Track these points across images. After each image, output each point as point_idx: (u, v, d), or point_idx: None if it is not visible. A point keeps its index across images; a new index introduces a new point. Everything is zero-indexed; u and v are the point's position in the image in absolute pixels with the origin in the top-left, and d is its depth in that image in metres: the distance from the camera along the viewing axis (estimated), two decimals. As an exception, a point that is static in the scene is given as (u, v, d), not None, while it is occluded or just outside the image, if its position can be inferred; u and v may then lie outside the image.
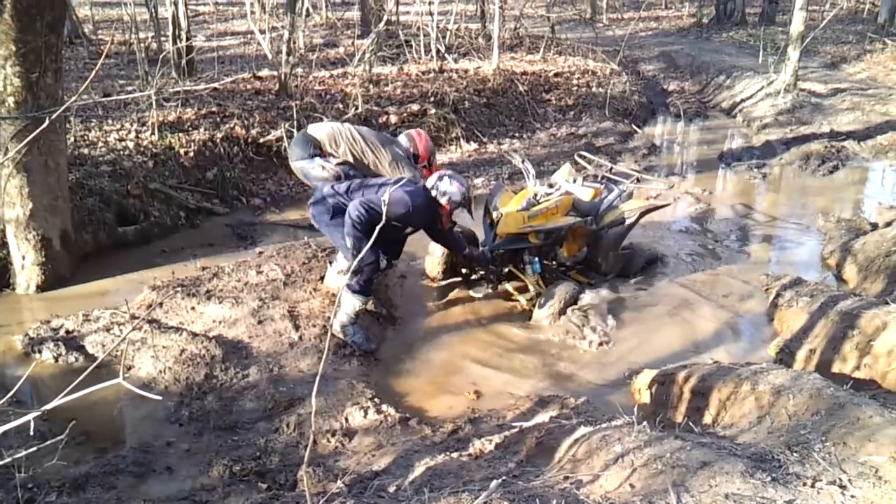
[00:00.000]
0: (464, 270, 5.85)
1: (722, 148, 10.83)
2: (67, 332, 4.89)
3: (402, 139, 5.91)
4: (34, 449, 1.99)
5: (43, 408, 1.42)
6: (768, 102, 12.40)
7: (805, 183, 9.15)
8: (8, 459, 1.74)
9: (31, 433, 3.69)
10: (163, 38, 10.45)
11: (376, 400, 4.19)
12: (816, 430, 2.99)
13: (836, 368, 4.54)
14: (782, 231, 7.48)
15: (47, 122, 4.38)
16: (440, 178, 4.96)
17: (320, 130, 5.70)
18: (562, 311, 5.35)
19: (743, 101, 13.08)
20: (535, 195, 5.63)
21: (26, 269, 5.56)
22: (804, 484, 2.53)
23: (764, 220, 7.78)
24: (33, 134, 4.63)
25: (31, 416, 1.38)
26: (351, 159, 5.58)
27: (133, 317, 5.00)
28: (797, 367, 4.63)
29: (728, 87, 14.09)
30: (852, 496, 2.46)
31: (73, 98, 2.45)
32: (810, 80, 13.61)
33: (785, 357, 4.84)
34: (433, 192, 4.96)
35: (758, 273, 6.26)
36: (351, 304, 4.79)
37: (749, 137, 11.49)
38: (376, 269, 4.96)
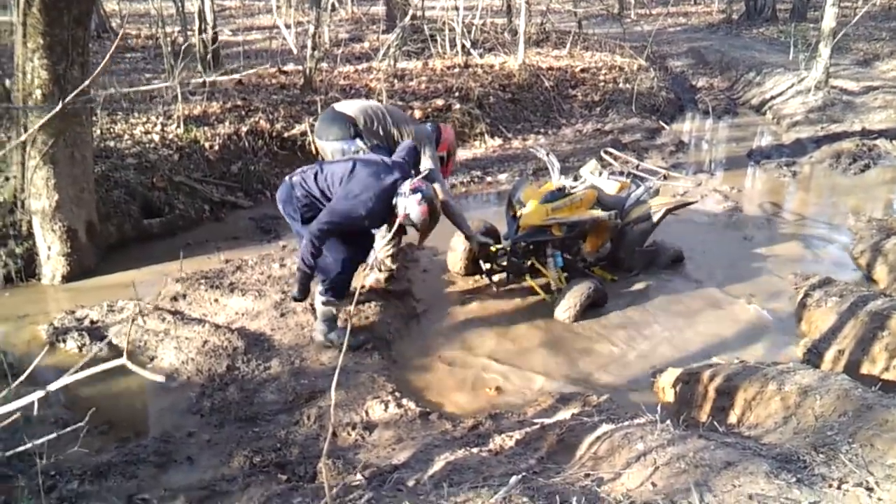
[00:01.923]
0: (486, 266, 5.81)
1: (751, 145, 10.69)
2: (92, 322, 4.93)
3: (429, 125, 5.84)
4: (54, 435, 1.99)
5: (48, 387, 1.41)
6: (799, 100, 12.22)
7: (835, 182, 8.99)
8: (28, 445, 1.73)
9: (54, 421, 3.75)
10: (189, 32, 10.52)
11: (397, 394, 4.18)
12: (843, 432, 2.93)
13: (864, 369, 4.46)
14: (812, 230, 7.35)
15: (59, 107, 4.40)
16: (414, 192, 4.40)
17: (352, 107, 5.46)
18: (583, 308, 5.30)
19: (773, 98, 12.89)
20: (560, 188, 5.57)
21: (52, 259, 5.62)
22: (830, 485, 2.48)
23: (793, 218, 7.66)
24: (49, 117, 4.67)
25: (36, 396, 1.38)
26: (380, 140, 5.39)
27: (157, 308, 5.03)
28: (825, 368, 4.56)
29: (758, 83, 13.91)
30: (879, 499, 2.41)
31: (93, 76, 2.45)
32: (842, 78, 13.40)
33: (812, 357, 4.76)
34: (396, 199, 4.44)
35: (786, 272, 6.16)
36: (323, 312, 4.69)
37: (779, 135, 11.32)
38: (349, 280, 4.74)
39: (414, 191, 4.38)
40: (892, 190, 8.76)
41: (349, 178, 4.39)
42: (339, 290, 4.65)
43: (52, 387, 1.46)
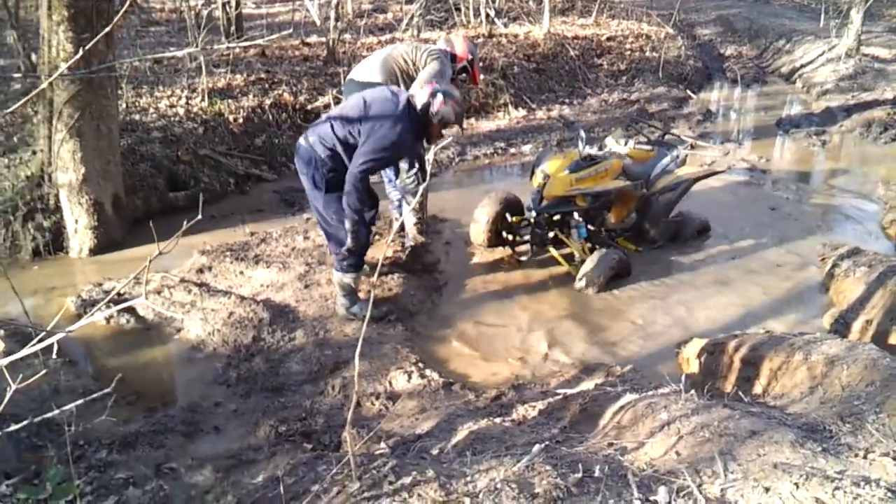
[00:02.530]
0: (509, 237, 5.79)
1: (780, 114, 10.51)
2: (119, 294, 5.00)
3: (440, 42, 5.68)
4: (81, 402, 2.02)
5: (67, 329, 1.42)
6: (829, 68, 11.97)
7: (866, 151, 8.83)
8: (56, 412, 1.76)
9: (82, 392, 3.82)
10: (212, 5, 10.50)
11: (420, 364, 4.20)
12: (870, 402, 2.90)
13: (892, 340, 4.40)
14: (841, 200, 7.23)
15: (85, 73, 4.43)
16: (433, 96, 4.42)
17: (371, 71, 5.34)
18: (607, 279, 5.27)
19: (803, 66, 12.64)
20: (584, 158, 5.51)
21: (79, 233, 5.69)
22: (856, 455, 2.46)
23: (822, 188, 7.54)
24: (75, 89, 4.68)
25: (56, 338, 1.39)
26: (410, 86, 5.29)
27: (183, 280, 5.09)
28: (852, 338, 4.51)
29: (787, 51, 13.64)
30: (906, 469, 2.38)
31: (111, 26, 2.46)
32: (874, 45, 13.09)
33: (840, 328, 4.71)
34: (430, 110, 4.44)
35: (814, 242, 6.08)
36: (344, 284, 4.65)
37: (808, 104, 11.12)
38: (365, 246, 4.66)
39: (432, 94, 4.41)
40: (924, 159, 8.59)
41: (366, 114, 4.32)
42: (347, 261, 4.57)
43: (74, 327, 1.47)
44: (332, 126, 4.39)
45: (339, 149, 4.38)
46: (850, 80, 11.39)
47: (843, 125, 9.70)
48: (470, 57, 5.57)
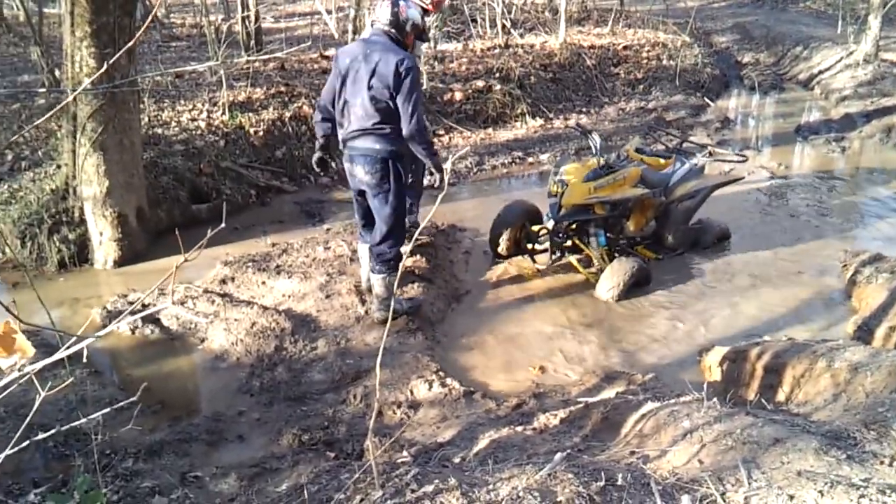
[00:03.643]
0: (529, 245, 5.81)
1: (799, 121, 10.45)
2: (143, 305, 5.06)
3: None
4: (108, 410, 2.06)
5: (94, 335, 1.45)
6: (848, 74, 11.89)
7: (886, 156, 8.76)
8: (83, 420, 1.80)
9: (109, 401, 3.87)
10: (232, 20, 10.63)
11: (441, 373, 4.22)
12: (895, 408, 2.88)
13: (917, 346, 4.36)
14: (861, 206, 7.18)
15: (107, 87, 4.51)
16: (395, 5, 4.39)
17: None
18: (626, 287, 5.26)
19: (821, 72, 12.57)
20: (603, 166, 5.51)
21: (104, 245, 5.76)
22: (881, 462, 2.44)
23: (842, 194, 7.49)
24: (98, 104, 4.75)
25: (86, 342, 1.42)
26: None
27: (206, 291, 5.15)
28: (875, 345, 4.47)
29: (805, 58, 13.56)
30: (932, 476, 2.36)
31: (119, 54, 2.51)
32: (892, 51, 12.99)
33: (863, 334, 4.67)
34: (406, 26, 4.44)
35: (835, 249, 6.04)
36: (387, 285, 4.67)
37: (827, 110, 11.05)
38: (401, 243, 4.72)
39: (393, 4, 4.40)
40: (947, 164, 8.51)
41: (367, 67, 4.29)
42: (397, 260, 4.62)
43: (103, 332, 1.50)
44: (345, 106, 4.40)
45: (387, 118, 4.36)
46: (868, 86, 11.31)
47: (863, 131, 9.64)
48: None
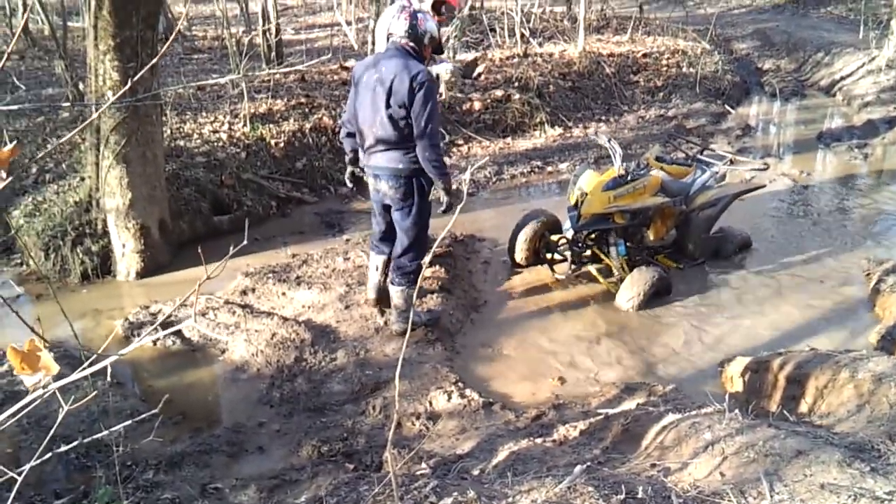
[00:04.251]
0: (548, 255, 5.80)
1: (820, 128, 10.34)
2: (166, 317, 5.09)
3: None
4: (129, 423, 2.08)
5: (117, 354, 1.47)
6: (870, 79, 11.75)
7: (910, 163, 8.65)
8: (105, 433, 1.81)
9: (130, 413, 3.91)
10: (253, 32, 10.74)
11: (460, 384, 4.21)
12: (921, 420, 2.85)
13: (944, 356, 4.29)
14: (885, 213, 7.09)
15: (131, 101, 4.55)
16: (413, 18, 4.39)
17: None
18: (647, 297, 5.23)
19: (842, 78, 12.43)
20: (622, 175, 5.49)
21: (126, 256, 5.83)
22: (907, 475, 2.41)
23: (865, 202, 7.40)
24: (122, 117, 4.81)
25: (109, 361, 1.44)
26: None
27: (227, 302, 5.18)
28: (901, 356, 4.41)
29: (826, 64, 13.42)
30: (959, 490, 2.32)
31: (147, 68, 2.55)
32: (917, 55, 12.82)
33: (887, 344, 4.61)
34: (424, 38, 4.44)
35: (858, 257, 5.97)
36: (407, 297, 4.68)
37: (849, 116, 10.94)
38: (424, 249, 4.72)
39: (412, 17, 4.39)
40: (973, 170, 8.39)
41: (385, 84, 4.30)
42: (417, 273, 4.63)
43: (124, 352, 1.52)
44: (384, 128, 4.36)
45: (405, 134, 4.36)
46: (891, 92, 11.17)
47: (886, 137, 9.52)
48: None
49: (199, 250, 1.73)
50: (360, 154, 4.62)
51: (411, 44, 4.42)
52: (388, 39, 4.53)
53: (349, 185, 4.97)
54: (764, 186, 6.79)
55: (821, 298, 5.41)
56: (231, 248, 1.76)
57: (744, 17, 20.07)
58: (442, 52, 4.98)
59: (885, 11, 14.50)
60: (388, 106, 4.27)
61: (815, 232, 6.61)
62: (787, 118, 11.37)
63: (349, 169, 4.87)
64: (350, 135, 4.70)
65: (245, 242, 1.81)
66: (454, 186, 4.73)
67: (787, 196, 7.54)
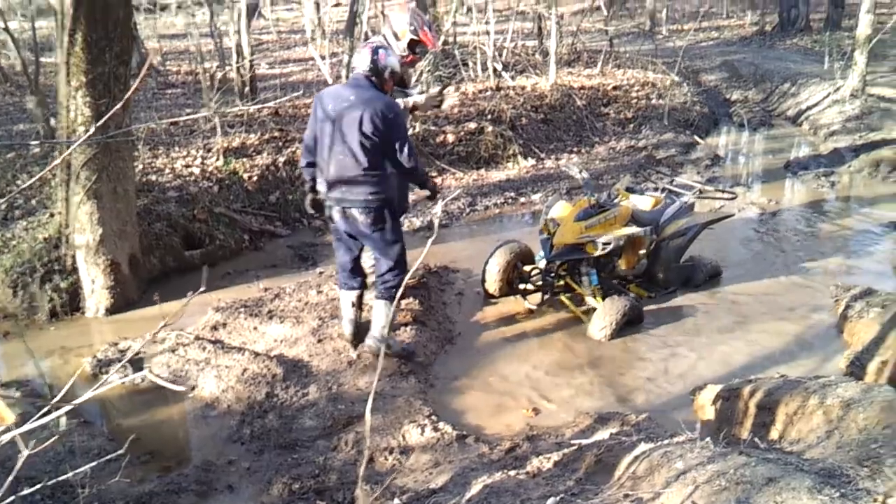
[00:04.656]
0: (521, 285, 5.82)
1: (788, 157, 10.54)
2: (135, 354, 5.04)
3: (385, 23, 5.43)
4: (95, 464, 2.05)
5: (74, 402, 1.46)
6: (835, 109, 12.03)
7: (876, 191, 8.83)
8: (70, 475, 1.78)
9: (98, 452, 3.84)
10: (227, 67, 10.77)
11: (433, 417, 4.19)
12: (888, 445, 2.87)
13: (910, 381, 4.35)
14: (852, 241, 7.22)
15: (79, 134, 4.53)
16: (375, 53, 4.54)
17: None
18: (619, 326, 5.26)
19: (809, 108, 12.72)
20: (594, 205, 5.56)
21: (96, 293, 5.76)
22: (875, 500, 2.43)
23: (832, 229, 7.53)
24: (92, 153, 4.78)
25: (63, 411, 1.42)
26: None
27: (197, 338, 5.13)
28: (869, 380, 4.46)
29: (793, 94, 13.73)
30: (926, 514, 2.35)
31: (120, 105, 2.55)
32: (879, 85, 13.15)
33: (855, 370, 4.67)
34: (384, 73, 4.58)
35: (826, 284, 6.06)
36: (389, 314, 4.72)
37: (816, 145, 11.17)
38: (406, 263, 4.85)
39: (374, 52, 4.54)
40: (935, 197, 8.57)
41: (355, 113, 4.40)
42: (399, 287, 4.54)
43: (82, 399, 1.50)
44: (331, 144, 4.48)
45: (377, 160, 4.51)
46: (856, 121, 11.43)
47: (852, 165, 9.72)
48: (412, 27, 5.24)
49: (170, 286, 1.72)
50: (320, 186, 4.65)
51: (373, 77, 4.55)
52: (352, 71, 4.70)
53: (311, 212, 4.99)
54: (732, 215, 6.91)
55: (790, 325, 5.47)
56: (190, 294, 1.75)
57: (712, 49, 20.49)
58: (406, 87, 5.10)
59: (848, 43, 14.87)
60: (361, 134, 4.36)
61: (783, 259, 6.70)
62: (755, 148, 11.58)
63: (309, 196, 4.89)
64: (311, 163, 4.73)
65: (203, 288, 1.80)
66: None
67: (755, 224, 7.66)
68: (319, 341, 5.03)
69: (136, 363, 4.94)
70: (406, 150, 4.49)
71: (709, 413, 4.31)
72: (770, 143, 11.69)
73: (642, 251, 5.87)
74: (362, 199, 4.49)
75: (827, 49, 15.58)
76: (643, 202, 6.00)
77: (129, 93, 2.41)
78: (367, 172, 4.45)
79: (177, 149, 8.22)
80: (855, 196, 8.88)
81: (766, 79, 15.45)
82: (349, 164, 4.43)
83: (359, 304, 4.94)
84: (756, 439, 3.46)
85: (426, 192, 4.97)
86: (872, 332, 4.88)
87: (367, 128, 4.35)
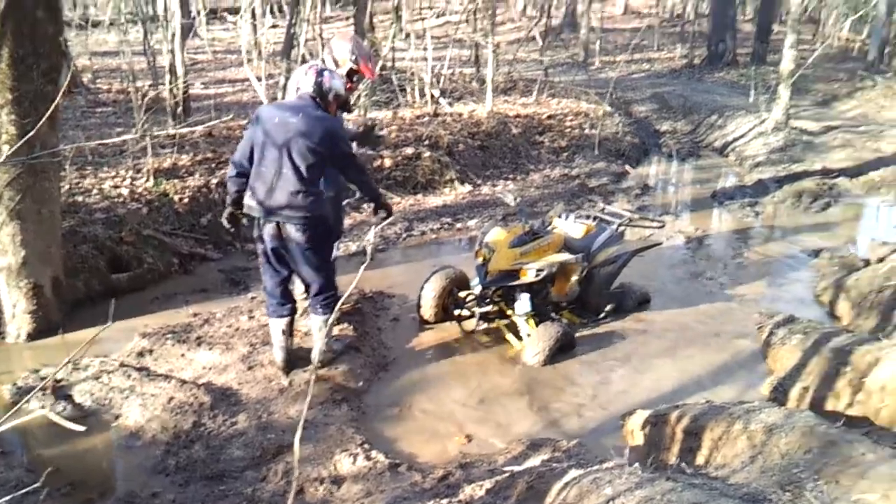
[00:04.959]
0: (456, 311, 5.84)
1: (715, 187, 10.89)
2: (56, 381, 4.85)
3: (327, 49, 5.42)
4: (10, 497, 1.95)
5: None
6: (760, 141, 12.50)
7: (798, 220, 9.19)
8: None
9: (15, 485, 3.67)
10: (160, 86, 10.57)
11: (366, 446, 4.15)
12: (809, 469, 2.97)
13: (829, 406, 4.52)
14: (775, 268, 7.48)
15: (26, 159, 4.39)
16: (320, 75, 4.59)
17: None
18: (552, 352, 5.32)
19: (735, 140, 13.18)
20: (528, 232, 5.64)
21: (17, 317, 5.53)
22: (794, 526, 2.50)
23: (757, 257, 7.79)
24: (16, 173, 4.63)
25: None
26: None
27: (122, 364, 4.98)
28: (791, 405, 4.61)
29: (720, 126, 14.22)
30: (843, 537, 2.42)
31: (38, 126, 2.47)
32: (802, 119, 13.75)
33: (779, 395, 4.82)
34: (328, 95, 4.63)
35: (751, 311, 6.26)
36: (325, 326, 4.79)
37: (742, 176, 11.57)
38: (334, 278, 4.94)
39: (319, 74, 4.60)
40: (852, 227, 8.98)
41: (298, 130, 4.44)
42: (337, 300, 4.72)
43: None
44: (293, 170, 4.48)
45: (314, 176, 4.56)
46: (780, 153, 11.89)
47: (776, 196, 10.09)
48: (353, 56, 5.28)
49: (93, 312, 1.66)
50: (250, 200, 4.60)
51: (318, 98, 4.58)
52: (296, 92, 4.70)
53: (227, 225, 4.95)
54: (661, 244, 7.08)
55: (716, 351, 5.62)
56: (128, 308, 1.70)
57: (643, 81, 21.10)
58: (349, 112, 5.13)
59: (773, 77, 15.51)
60: (307, 149, 4.41)
61: (709, 286, 6.90)
62: (684, 177, 11.93)
63: (229, 209, 4.84)
64: (241, 175, 4.67)
65: (110, 323, 1.75)
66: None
67: (683, 252, 7.87)
68: (250, 368, 4.93)
69: (60, 391, 4.73)
70: (354, 166, 4.74)
71: (638, 438, 4.38)
72: (698, 173, 12.06)
73: (575, 278, 5.96)
74: (300, 217, 4.48)
75: (752, 83, 16.23)
76: (575, 230, 6.11)
77: (50, 110, 2.33)
78: (307, 190, 4.47)
79: (105, 169, 8.01)
80: (778, 225, 9.21)
81: (695, 111, 15.97)
82: (290, 180, 4.43)
83: (289, 331, 4.88)
84: (683, 465, 3.54)
85: (382, 214, 4.99)
86: (794, 358, 5.05)
87: (312, 145, 4.41)
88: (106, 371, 4.89)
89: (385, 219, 5.07)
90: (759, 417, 3.62)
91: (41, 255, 5.59)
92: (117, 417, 4.51)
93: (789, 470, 3.04)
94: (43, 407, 4.50)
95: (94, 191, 7.40)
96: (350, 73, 5.24)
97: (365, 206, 9.00)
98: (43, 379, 4.85)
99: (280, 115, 4.47)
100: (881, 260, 6.85)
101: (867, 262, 7.00)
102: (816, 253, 7.67)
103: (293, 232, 4.52)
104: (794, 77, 12.42)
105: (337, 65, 5.22)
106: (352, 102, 5.69)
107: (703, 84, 19.86)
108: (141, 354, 5.13)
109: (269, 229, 4.57)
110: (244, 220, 4.84)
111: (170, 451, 4.14)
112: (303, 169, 4.43)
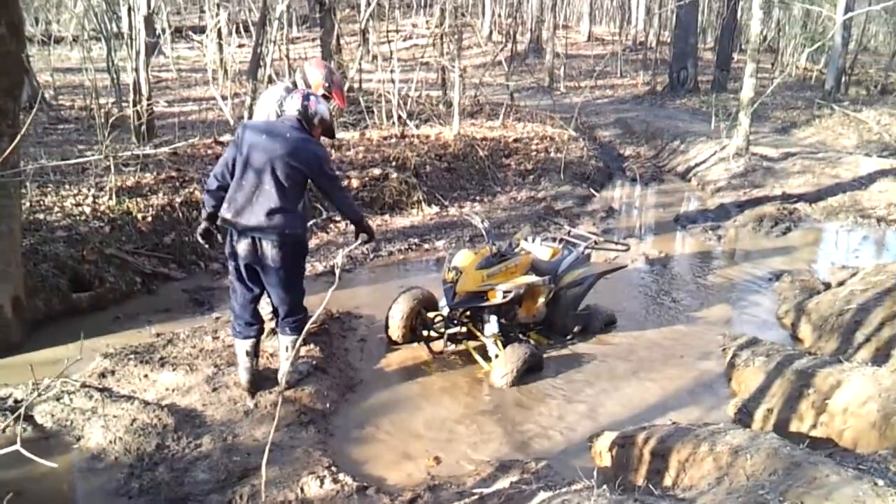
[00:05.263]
0: (424, 332, 5.83)
1: (678, 211, 11.06)
2: (16, 401, 4.74)
3: (299, 73, 5.45)
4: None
5: None
6: (722, 166, 12.74)
7: (759, 244, 9.36)
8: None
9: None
10: (124, 104, 10.45)
11: (333, 468, 4.10)
12: (774, 490, 3.00)
13: (793, 427, 4.58)
14: (738, 291, 7.61)
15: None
16: (306, 99, 4.65)
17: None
18: (520, 373, 5.34)
19: (697, 165, 13.42)
20: (495, 254, 5.67)
21: (-25, 336, 5.40)
22: (761, 545, 2.52)
23: (720, 281, 7.92)
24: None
25: None
26: None
27: (84, 385, 4.87)
28: (755, 427, 4.67)
29: (682, 151, 14.46)
30: (809, 557, 2.45)
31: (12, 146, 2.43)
32: (762, 145, 14.04)
33: (743, 417, 4.88)
34: (314, 119, 4.67)
35: (714, 333, 6.35)
36: (294, 346, 4.76)
37: (704, 200, 11.77)
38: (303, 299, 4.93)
39: (305, 98, 4.65)
40: (812, 251, 9.17)
41: (283, 148, 4.47)
42: (306, 320, 4.68)
43: None
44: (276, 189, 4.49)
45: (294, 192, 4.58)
46: (741, 178, 12.13)
47: (737, 220, 10.28)
48: (326, 84, 5.33)
49: (54, 331, 1.63)
50: (227, 213, 4.55)
51: (303, 122, 4.61)
52: (278, 115, 4.86)
53: (201, 241, 4.88)
54: (626, 266, 7.16)
55: (681, 372, 5.68)
56: (89, 327, 1.67)
57: (607, 106, 21.41)
58: (333, 137, 5.13)
59: (733, 104, 15.84)
60: (287, 170, 4.44)
61: (674, 309, 6.99)
62: (647, 201, 12.10)
63: (204, 225, 4.79)
64: (221, 189, 4.64)
65: (80, 358, 1.72)
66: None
67: (647, 275, 7.97)
68: (214, 390, 4.86)
69: (19, 411, 4.61)
70: (339, 188, 4.85)
71: (606, 459, 4.40)
72: (661, 197, 12.24)
73: (542, 299, 6.00)
74: (277, 235, 4.48)
75: (714, 109, 16.58)
76: (542, 252, 6.16)
77: (23, 130, 2.29)
78: (287, 208, 4.49)
79: (67, 187, 7.87)
80: (740, 249, 9.38)
81: (658, 136, 16.23)
82: (272, 197, 4.44)
83: (255, 353, 4.83)
84: (651, 486, 3.56)
85: (364, 237, 4.94)
86: (758, 380, 5.13)
87: (297, 165, 4.46)
88: (67, 392, 4.78)
89: (367, 242, 5.01)
90: (725, 439, 3.66)
91: (1, 273, 5.47)
92: (79, 439, 4.40)
93: (755, 491, 3.07)
94: (4, 431, 4.38)
95: (56, 209, 7.28)
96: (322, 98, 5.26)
97: (333, 226, 8.99)
98: (3, 399, 4.73)
99: (267, 133, 4.50)
100: (841, 283, 7.00)
101: (828, 286, 7.16)
102: (778, 276, 7.82)
103: (269, 249, 4.50)
104: (754, 105, 12.71)
105: (308, 87, 5.24)
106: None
107: (665, 110, 20.20)
108: (103, 375, 5.03)
109: (244, 245, 4.52)
110: (218, 237, 4.78)
111: (133, 474, 4.05)
112: (286, 187, 4.47)
